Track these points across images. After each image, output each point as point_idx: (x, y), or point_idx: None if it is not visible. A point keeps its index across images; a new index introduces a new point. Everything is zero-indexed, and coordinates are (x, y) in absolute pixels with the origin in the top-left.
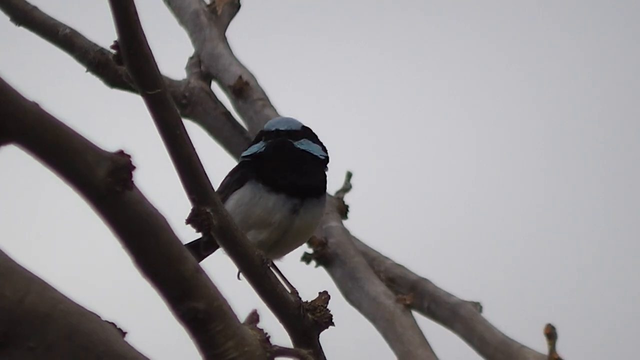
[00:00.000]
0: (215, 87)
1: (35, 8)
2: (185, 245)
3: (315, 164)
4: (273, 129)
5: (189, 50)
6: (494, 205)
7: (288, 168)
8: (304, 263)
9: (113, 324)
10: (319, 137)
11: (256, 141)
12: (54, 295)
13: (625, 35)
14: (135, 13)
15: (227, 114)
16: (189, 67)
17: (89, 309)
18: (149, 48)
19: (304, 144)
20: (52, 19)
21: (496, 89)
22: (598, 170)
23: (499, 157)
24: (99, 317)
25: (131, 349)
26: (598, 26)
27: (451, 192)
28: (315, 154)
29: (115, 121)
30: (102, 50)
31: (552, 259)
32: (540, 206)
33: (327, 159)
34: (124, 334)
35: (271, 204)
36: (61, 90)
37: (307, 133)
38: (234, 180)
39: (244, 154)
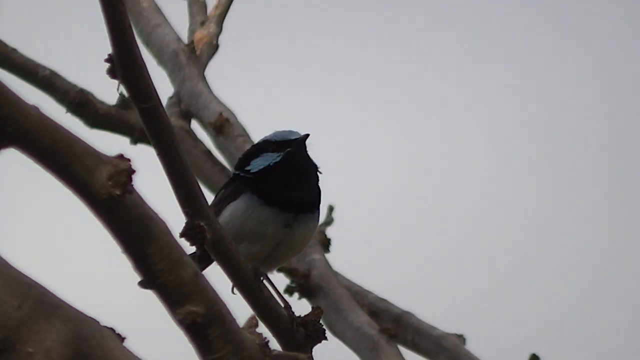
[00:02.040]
0: (195, 126)
1: (14, 50)
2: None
3: (316, 178)
4: (291, 137)
5: (169, 90)
6: (476, 237)
7: (295, 180)
8: (287, 295)
9: (112, 329)
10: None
11: (256, 154)
12: (53, 300)
13: (630, 37)
14: (130, 26)
15: (208, 152)
16: (168, 107)
17: (88, 314)
18: (143, 61)
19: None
20: (31, 60)
21: (492, 111)
22: (593, 188)
23: (483, 185)
24: (98, 322)
25: (130, 354)
26: (604, 31)
27: (434, 224)
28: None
29: None
30: (82, 91)
31: (535, 289)
32: (524, 236)
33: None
34: (122, 339)
35: (264, 217)
36: None
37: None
38: (228, 193)
39: (252, 169)
